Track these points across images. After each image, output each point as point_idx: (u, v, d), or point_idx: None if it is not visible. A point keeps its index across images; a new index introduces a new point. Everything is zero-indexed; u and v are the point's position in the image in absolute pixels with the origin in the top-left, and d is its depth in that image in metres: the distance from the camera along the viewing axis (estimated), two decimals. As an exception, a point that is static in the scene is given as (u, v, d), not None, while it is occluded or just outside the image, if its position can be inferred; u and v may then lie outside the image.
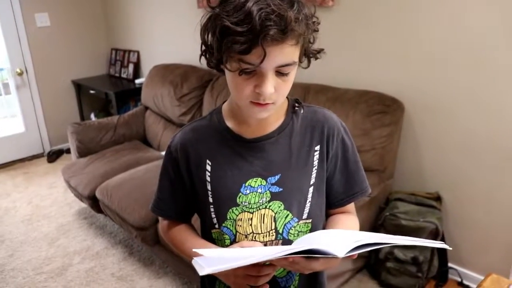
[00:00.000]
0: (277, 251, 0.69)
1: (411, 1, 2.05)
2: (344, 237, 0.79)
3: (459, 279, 2.20)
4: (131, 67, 4.12)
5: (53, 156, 4.18)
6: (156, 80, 3.32)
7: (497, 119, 1.93)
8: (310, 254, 0.71)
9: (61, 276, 2.46)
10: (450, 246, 0.77)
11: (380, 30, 2.19)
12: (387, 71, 2.23)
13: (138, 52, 4.07)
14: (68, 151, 4.21)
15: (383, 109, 2.12)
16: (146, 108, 3.50)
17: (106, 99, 4.08)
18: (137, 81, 3.94)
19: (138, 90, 3.74)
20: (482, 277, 2.10)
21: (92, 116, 4.35)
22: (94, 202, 2.68)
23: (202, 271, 0.67)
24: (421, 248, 2.08)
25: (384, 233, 2.01)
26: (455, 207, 2.17)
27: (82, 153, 3.08)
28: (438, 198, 2.19)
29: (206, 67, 3.15)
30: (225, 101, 0.97)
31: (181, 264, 2.26)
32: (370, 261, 2.26)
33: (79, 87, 4.28)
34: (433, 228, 2.04)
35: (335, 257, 0.71)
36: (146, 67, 3.95)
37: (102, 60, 4.48)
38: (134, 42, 4.10)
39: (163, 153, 3.02)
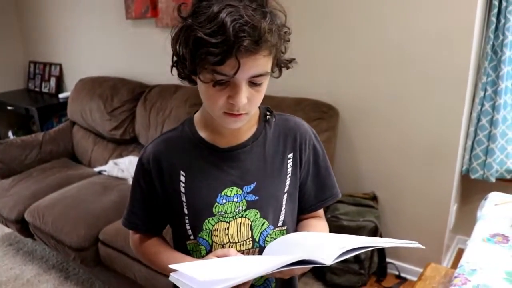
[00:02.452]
0: (266, 268, 0.69)
1: (341, 12, 2.17)
2: (324, 242, 0.81)
3: (397, 273, 2.34)
4: (53, 81, 3.90)
5: (-34, 179, 3.82)
6: (83, 94, 3.18)
7: (422, 119, 2.09)
8: (298, 262, 0.72)
9: (-12, 310, 2.26)
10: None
11: (314, 40, 2.29)
12: (321, 79, 2.33)
13: (60, 65, 3.86)
14: (-16, 173, 3.88)
15: (320, 116, 2.21)
16: (73, 123, 3.32)
17: (27, 115, 3.82)
18: (61, 95, 3.73)
19: (62, 105, 3.55)
20: (417, 269, 2.26)
21: (10, 134, 4.04)
22: (22, 226, 2.48)
23: None
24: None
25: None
26: (390, 204, 2.31)
27: (4, 174, 2.85)
28: (374, 198, 2.31)
29: (136, 79, 3.08)
30: (196, 111, 0.96)
31: (125, 282, 2.17)
32: (314, 263, 2.33)
33: (-7, 103, 3.96)
34: (372, 226, 2.15)
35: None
36: (70, 81, 3.76)
37: (19, 73, 4.20)
38: (56, 55, 3.88)
39: (96, 169, 2.89)
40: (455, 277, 1.11)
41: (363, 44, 2.15)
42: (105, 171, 2.82)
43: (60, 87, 3.91)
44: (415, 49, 2.01)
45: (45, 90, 3.97)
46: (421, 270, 1.91)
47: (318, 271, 2.32)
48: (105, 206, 2.32)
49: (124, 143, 3.02)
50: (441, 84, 1.99)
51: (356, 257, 2.17)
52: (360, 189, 2.37)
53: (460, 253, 2.47)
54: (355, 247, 0.73)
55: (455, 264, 2.35)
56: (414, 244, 0.78)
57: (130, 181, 2.63)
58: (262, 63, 0.76)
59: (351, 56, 2.21)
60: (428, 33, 1.96)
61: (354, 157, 2.36)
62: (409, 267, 2.33)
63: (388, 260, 2.35)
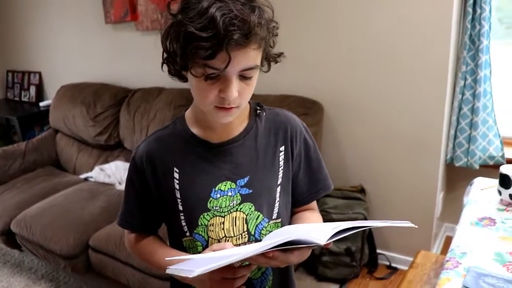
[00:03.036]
0: (260, 247, 0.70)
1: (323, 7, 2.19)
2: (317, 227, 0.82)
3: (388, 263, 2.38)
4: (32, 89, 3.83)
5: None
6: (65, 101, 3.14)
7: (405, 110, 2.13)
8: (291, 245, 0.73)
9: (-23, 324, 2.21)
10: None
11: (295, 36, 2.30)
12: (304, 76, 2.35)
13: (39, 73, 3.80)
14: (-35, 186, 3.80)
15: (305, 111, 2.23)
16: (56, 131, 3.28)
17: (8, 125, 3.75)
18: (42, 103, 3.68)
19: (43, 113, 3.49)
20: (407, 258, 2.30)
21: (-9, 145, 3.96)
22: (8, 238, 2.44)
23: (191, 273, 0.66)
24: (353, 239, 2.21)
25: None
26: (378, 196, 2.34)
27: (-13, 186, 2.80)
28: (362, 190, 2.34)
29: (119, 83, 3.05)
30: (187, 109, 0.96)
31: (117, 288, 2.15)
32: (306, 258, 2.34)
33: (-28, 115, 3.88)
34: (361, 218, 2.18)
35: (311, 247, 0.74)
36: (51, 89, 3.71)
37: (-3, 84, 4.12)
38: (34, 63, 3.82)
39: (82, 176, 2.86)
40: (447, 261, 1.14)
41: (346, 39, 2.18)
42: (91, 177, 2.79)
43: (40, 95, 3.85)
44: (396, 42, 2.05)
45: (25, 99, 3.91)
46: (411, 259, 1.94)
47: (310, 265, 2.34)
48: (93, 212, 2.29)
49: (109, 149, 3.00)
50: (423, 75, 2.03)
51: (347, 250, 2.19)
52: (347, 182, 2.39)
53: (448, 240, 2.51)
54: (349, 226, 0.75)
55: (444, 251, 2.40)
56: (407, 224, 0.79)
57: (118, 186, 2.63)
58: (252, 56, 0.77)
59: (333, 51, 2.23)
60: (408, 25, 2.00)
61: (340, 151, 2.38)
62: (399, 257, 2.36)
63: (378, 251, 2.39)
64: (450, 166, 2.31)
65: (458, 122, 2.18)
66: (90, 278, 2.30)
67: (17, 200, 2.57)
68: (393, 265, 2.36)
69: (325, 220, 2.15)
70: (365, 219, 2.19)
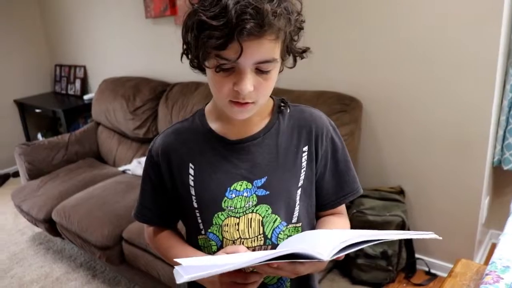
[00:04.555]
0: (257, 257, 0.66)
1: (363, 4, 2.11)
2: (330, 237, 0.77)
3: (427, 269, 2.27)
4: (78, 83, 3.96)
5: (-1, 181, 3.94)
6: (106, 94, 3.21)
7: (446, 109, 2.01)
8: (296, 258, 0.68)
9: (19, 308, 2.31)
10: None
11: (335, 32, 2.23)
12: (343, 72, 2.27)
13: (84, 67, 3.92)
14: (15, 174, 3.99)
15: (342, 108, 2.16)
16: (98, 124, 3.37)
17: (54, 117, 3.90)
18: (86, 97, 3.79)
19: (87, 106, 3.60)
20: (447, 264, 2.18)
21: (39, 136, 4.14)
22: (50, 226, 2.53)
23: (180, 279, 0.64)
24: (389, 242, 2.12)
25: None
26: (418, 198, 2.23)
27: (32, 175, 2.91)
28: (401, 191, 2.24)
29: (158, 78, 3.08)
30: (207, 103, 0.93)
31: (149, 281, 2.18)
32: (340, 260, 2.27)
33: (23, 107, 4.06)
34: (399, 221, 2.08)
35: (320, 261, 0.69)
36: (94, 82, 3.81)
37: (46, 77, 4.29)
38: (80, 57, 3.95)
39: (120, 168, 2.93)
40: (486, 274, 1.05)
41: (387, 34, 2.08)
42: (129, 170, 2.84)
43: (85, 89, 3.97)
44: (441, 36, 1.93)
45: (70, 92, 4.05)
46: (451, 266, 1.83)
47: (345, 267, 2.27)
48: (128, 205, 2.33)
49: (147, 142, 3.04)
50: (469, 71, 1.90)
51: (383, 253, 2.10)
52: (386, 182, 2.30)
53: (493, 248, 2.36)
54: (359, 240, 0.69)
55: (488, 260, 2.26)
56: (430, 235, 0.72)
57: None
58: (267, 48, 0.72)
59: (374, 46, 2.14)
60: (453, 18, 1.87)
61: (379, 150, 2.29)
62: (439, 263, 2.25)
63: (417, 256, 2.28)
64: (497, 169, 2.17)
65: (507, 123, 2.03)
66: (124, 269, 2.34)
67: (59, 190, 2.66)
68: (433, 271, 2.25)
69: (361, 221, 2.10)
70: (403, 222, 2.09)
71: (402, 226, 2.09)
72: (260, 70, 0.75)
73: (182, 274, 0.64)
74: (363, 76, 2.21)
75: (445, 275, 2.11)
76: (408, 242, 2.21)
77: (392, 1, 2.02)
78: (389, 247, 2.11)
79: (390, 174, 2.29)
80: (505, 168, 2.09)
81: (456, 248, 2.14)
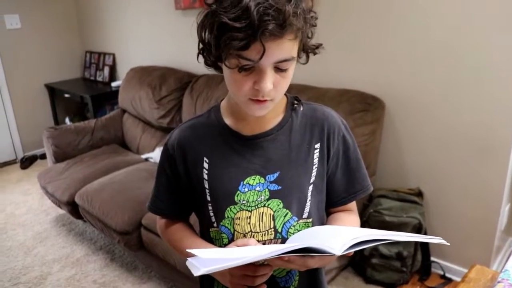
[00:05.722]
0: (271, 250, 0.68)
1: (388, 3, 2.09)
2: (341, 233, 0.78)
3: (442, 272, 2.25)
4: (106, 70, 4.05)
5: (27, 162, 4.07)
6: (133, 82, 3.27)
7: (469, 112, 1.98)
8: (306, 252, 0.70)
9: (39, 286, 2.39)
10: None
11: (359, 31, 2.22)
12: (366, 71, 2.26)
13: (113, 55, 4.00)
14: (42, 156, 4.12)
15: (365, 107, 2.15)
16: (124, 111, 3.44)
17: (82, 102, 4.00)
18: (113, 84, 3.88)
19: (114, 93, 3.68)
20: (463, 269, 2.16)
21: (67, 120, 4.25)
22: (73, 208, 2.61)
23: (197, 272, 0.66)
24: (405, 243, 2.11)
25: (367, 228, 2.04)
26: (436, 201, 2.21)
27: (58, 158, 3.01)
28: (419, 193, 2.22)
29: (184, 68, 3.10)
30: (223, 99, 0.95)
31: (165, 268, 2.22)
32: (355, 258, 2.28)
33: (53, 91, 4.18)
34: (416, 223, 2.07)
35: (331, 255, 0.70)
36: (122, 70, 3.89)
37: (76, 63, 4.40)
38: (110, 45, 4.03)
39: (143, 156, 2.98)
40: (498, 282, 1.04)
41: (412, 34, 2.06)
42: (151, 158, 2.90)
43: (113, 76, 4.06)
44: (467, 38, 1.90)
45: (99, 78, 4.14)
46: (467, 271, 1.81)
47: (359, 266, 2.27)
48: (149, 192, 2.35)
49: (171, 131, 3.08)
50: (494, 74, 1.86)
51: (398, 254, 2.10)
52: (405, 184, 2.28)
53: (513, 255, 2.33)
54: (370, 238, 0.70)
55: (506, 267, 2.23)
56: (438, 240, 0.73)
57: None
58: (287, 47, 0.74)
59: (398, 46, 2.12)
60: (478, 20, 1.84)
61: (400, 151, 2.27)
62: (455, 268, 2.22)
63: (433, 259, 2.26)
64: (521, 176, 2.13)
65: (533, 129, 1.99)
66: (142, 255, 2.40)
67: (83, 174, 2.74)
68: (448, 275, 2.23)
69: (377, 221, 2.09)
70: (420, 224, 2.08)
71: (418, 228, 2.08)
72: (278, 69, 0.77)
73: (199, 267, 0.66)
74: (386, 76, 2.20)
75: (460, 280, 2.10)
76: (424, 245, 2.20)
77: (420, 1, 1.99)
78: (404, 249, 2.10)
79: (409, 175, 2.27)
80: (529, 175, 2.05)
81: (473, 253, 2.11)
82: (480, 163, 2.01)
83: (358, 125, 2.12)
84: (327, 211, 0.98)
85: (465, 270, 2.12)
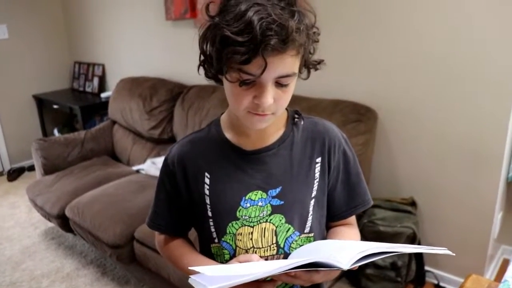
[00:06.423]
0: (280, 266, 0.67)
1: (380, 15, 2.11)
2: (346, 247, 0.78)
3: (436, 282, 2.25)
4: (96, 80, 4.02)
5: (14, 174, 4.00)
6: (124, 93, 3.25)
7: (462, 122, 2.00)
8: (313, 267, 0.70)
9: (29, 301, 2.34)
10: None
11: (352, 42, 2.23)
12: (359, 81, 2.28)
13: (103, 65, 3.97)
14: (30, 168, 4.06)
15: (358, 118, 2.16)
16: (114, 122, 3.41)
17: (71, 114, 3.96)
18: (103, 95, 3.84)
19: (104, 104, 3.65)
20: (457, 278, 2.17)
21: (56, 131, 4.20)
22: (63, 221, 2.57)
23: None
24: (400, 253, 2.11)
25: (363, 240, 2.03)
26: (429, 211, 2.22)
27: (48, 171, 2.96)
28: (413, 203, 2.23)
29: (175, 79, 3.09)
30: (223, 113, 0.95)
31: (158, 281, 2.19)
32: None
33: (41, 102, 4.13)
34: (410, 233, 2.08)
35: (338, 269, 0.70)
36: (112, 81, 3.86)
37: (65, 74, 4.36)
38: (99, 55, 4.00)
39: (134, 168, 2.95)
40: (498, 292, 1.04)
41: (405, 45, 2.08)
42: (143, 169, 2.87)
43: (102, 87, 4.02)
44: (459, 49, 1.92)
45: (88, 89, 4.10)
46: (461, 280, 1.81)
47: (353, 277, 2.26)
48: (141, 205, 2.35)
49: (162, 143, 3.07)
50: (485, 84, 1.89)
51: (393, 264, 2.10)
52: (398, 193, 2.29)
53: (505, 264, 2.34)
54: (377, 251, 0.70)
55: (499, 276, 2.24)
56: (443, 251, 0.73)
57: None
58: (289, 63, 0.74)
59: (391, 57, 2.14)
60: (470, 30, 1.86)
61: (393, 161, 2.29)
62: (449, 277, 2.23)
63: (427, 268, 2.27)
64: (511, 184, 2.15)
65: (524, 139, 2.02)
66: (134, 269, 2.36)
67: (73, 187, 2.70)
68: (442, 284, 2.23)
69: (372, 231, 2.09)
70: (414, 234, 2.08)
71: (413, 238, 2.08)
72: (279, 84, 0.76)
73: (205, 284, 0.65)
74: (379, 86, 2.21)
75: (454, 289, 2.11)
76: (418, 254, 2.20)
77: (412, 12, 2.01)
78: (399, 258, 2.10)
79: (403, 185, 2.28)
80: (520, 184, 2.07)
81: (466, 262, 2.12)
82: (473, 173, 2.03)
83: (352, 136, 2.12)
84: (326, 225, 0.98)
85: (459, 279, 2.14)
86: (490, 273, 2.24)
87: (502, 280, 1.08)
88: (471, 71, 1.91)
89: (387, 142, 2.27)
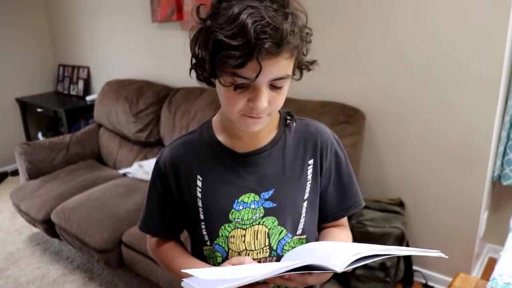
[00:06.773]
0: (274, 269, 0.67)
1: (367, 16, 2.12)
2: (340, 249, 0.78)
3: (424, 281, 2.27)
4: (81, 83, 3.97)
5: (-3, 179, 3.93)
6: (109, 96, 3.22)
7: (448, 123, 2.02)
8: (307, 269, 0.70)
9: (15, 309, 2.30)
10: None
11: (339, 43, 2.24)
12: (347, 83, 2.29)
13: (88, 68, 3.93)
14: (13, 173, 3.99)
15: (346, 119, 2.17)
16: (100, 125, 3.37)
17: (55, 117, 3.90)
18: (88, 98, 3.80)
19: (89, 107, 3.61)
20: (445, 277, 2.19)
21: (40, 135, 4.14)
22: (49, 227, 2.52)
23: None
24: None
25: (354, 241, 2.04)
26: (417, 210, 2.24)
27: (32, 175, 2.91)
28: (401, 204, 2.25)
29: (162, 82, 3.07)
30: (214, 115, 0.94)
31: (147, 286, 2.17)
32: (338, 270, 2.28)
33: (24, 105, 4.07)
34: (399, 233, 2.09)
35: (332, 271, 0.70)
36: (97, 84, 3.82)
37: (49, 76, 4.30)
38: (84, 58, 3.96)
39: (121, 171, 2.92)
40: (487, 290, 1.05)
41: (391, 47, 2.09)
42: (130, 173, 2.84)
43: (87, 90, 3.97)
44: (445, 50, 1.95)
45: (73, 92, 4.05)
46: (449, 279, 1.84)
47: (342, 277, 2.27)
48: (129, 209, 2.33)
49: (149, 146, 3.04)
50: (472, 86, 1.91)
51: (382, 264, 2.11)
52: (386, 194, 2.31)
53: (491, 262, 2.38)
54: (371, 254, 0.70)
55: (485, 274, 2.27)
56: (437, 253, 0.74)
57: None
58: (283, 65, 0.73)
59: (378, 58, 2.15)
60: (459, 33, 1.89)
61: (381, 162, 2.30)
62: (437, 276, 2.25)
63: (415, 268, 2.29)
64: (497, 184, 2.18)
65: (508, 138, 2.05)
66: (122, 273, 2.34)
67: (58, 191, 2.66)
68: (430, 283, 2.26)
69: (361, 232, 2.10)
70: (403, 234, 2.10)
71: (401, 238, 2.10)
72: (273, 86, 0.76)
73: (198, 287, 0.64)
74: (367, 88, 2.23)
75: (442, 287, 2.13)
76: (406, 255, 2.22)
77: (397, 14, 2.03)
78: (387, 259, 2.11)
79: (390, 186, 2.30)
80: (505, 183, 2.10)
81: (453, 261, 2.14)
82: (459, 173, 2.05)
83: (340, 137, 2.09)
84: (318, 226, 0.97)
85: (447, 278, 2.16)
86: (477, 271, 2.27)
87: (491, 278, 1.10)
88: (458, 73, 1.94)
89: (375, 143, 2.29)
